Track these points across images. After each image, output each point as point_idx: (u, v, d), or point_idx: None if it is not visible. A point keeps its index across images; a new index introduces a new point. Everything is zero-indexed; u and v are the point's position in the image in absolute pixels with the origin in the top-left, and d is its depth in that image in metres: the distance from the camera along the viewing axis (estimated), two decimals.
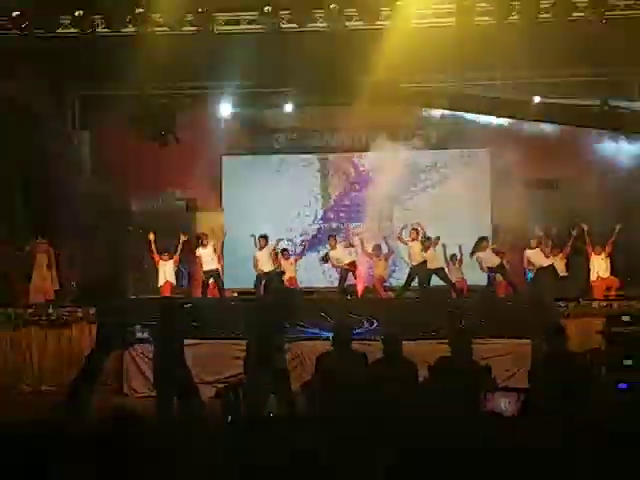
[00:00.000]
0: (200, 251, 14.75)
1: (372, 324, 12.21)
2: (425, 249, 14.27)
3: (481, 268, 14.36)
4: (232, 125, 16.74)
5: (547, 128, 14.48)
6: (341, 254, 14.98)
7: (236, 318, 10.93)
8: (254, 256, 14.87)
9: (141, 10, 12.58)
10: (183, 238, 15.04)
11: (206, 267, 14.63)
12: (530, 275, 14.85)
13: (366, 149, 16.89)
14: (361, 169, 17.17)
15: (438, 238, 14.36)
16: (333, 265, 15.22)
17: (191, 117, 16.06)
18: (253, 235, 15.01)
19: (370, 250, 15.03)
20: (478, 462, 3.75)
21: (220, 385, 8.70)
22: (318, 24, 12.88)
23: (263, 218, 16.12)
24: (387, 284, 15.31)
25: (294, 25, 12.88)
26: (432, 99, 13.27)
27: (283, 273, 14.55)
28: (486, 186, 16.51)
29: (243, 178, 16.92)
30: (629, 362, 9.89)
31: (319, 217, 17.21)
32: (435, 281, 14.41)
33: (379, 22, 12.68)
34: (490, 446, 3.84)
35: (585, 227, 14.23)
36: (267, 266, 14.74)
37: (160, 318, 8.71)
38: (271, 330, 8.33)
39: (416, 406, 6.84)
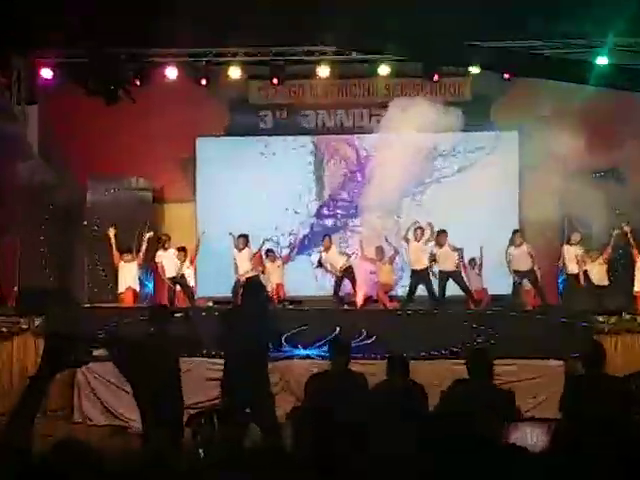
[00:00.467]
0: (160, 255, 14.78)
1: (373, 340, 12.23)
2: (439, 245, 14.30)
3: (509, 269, 14.35)
4: (209, 100, 16.76)
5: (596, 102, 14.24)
6: (336, 257, 15.03)
7: (210, 332, 10.91)
8: (234, 259, 14.91)
9: None
10: (149, 235, 15.05)
11: (169, 273, 14.69)
12: (562, 281, 14.90)
13: (370, 130, 16.92)
14: (363, 154, 17.15)
15: (444, 232, 14.38)
16: (327, 270, 15.25)
17: (158, 90, 16.10)
18: (232, 234, 15.01)
19: (372, 252, 15.08)
20: None
21: (191, 411, 8.68)
22: None
23: (244, 213, 16.14)
24: (394, 293, 15.32)
25: None
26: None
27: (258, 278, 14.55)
28: (514, 176, 16.52)
29: (221, 164, 16.89)
30: None
31: (312, 213, 17.20)
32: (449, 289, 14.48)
33: None
34: None
35: (628, 228, 14.22)
36: (247, 270, 14.76)
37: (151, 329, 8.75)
38: (252, 346, 8.32)
39: (426, 440, 6.84)
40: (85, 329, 12.13)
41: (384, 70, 16.25)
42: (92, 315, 13.16)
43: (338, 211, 17.20)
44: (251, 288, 8.81)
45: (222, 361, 8.74)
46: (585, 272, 14.38)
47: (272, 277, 15.02)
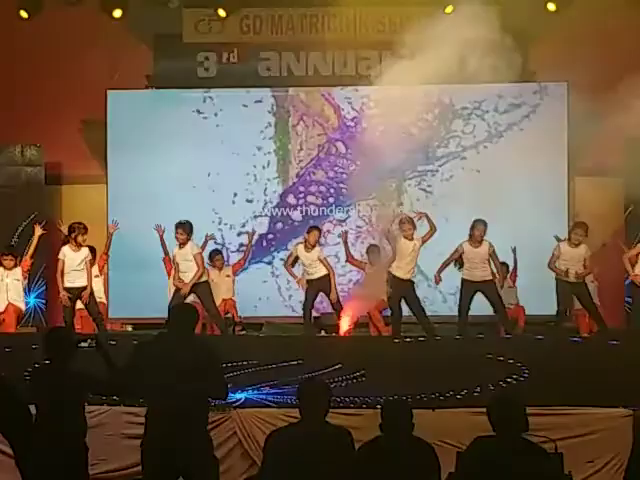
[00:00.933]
0: (67, 253, 14.51)
1: (360, 380, 12.25)
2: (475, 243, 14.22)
3: (567, 275, 14.30)
4: (125, 38, 16.72)
5: None
6: (313, 260, 14.96)
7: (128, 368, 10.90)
8: (172, 257, 14.61)
9: None
10: (39, 231, 14.97)
11: (73, 282, 14.42)
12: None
13: (357, 80, 16.95)
14: (348, 114, 17.15)
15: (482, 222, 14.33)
16: (298, 281, 15.15)
17: (52, 23, 16.04)
18: (159, 225, 14.91)
19: (360, 255, 15.13)
20: None
21: None
22: None
23: (174, 200, 16.16)
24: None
25: None
26: None
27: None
28: (562, 148, 16.59)
29: (142, 128, 16.86)
30: None
31: (272, 201, 17.19)
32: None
33: None
34: None
35: None
36: (191, 274, 14.55)
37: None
38: (186, 391, 8.30)
39: None
40: None
41: None
42: None
43: (310, 198, 17.20)
44: (178, 318, 8.76)
45: (144, 411, 8.69)
46: None
47: (219, 290, 14.96)
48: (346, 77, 17.22)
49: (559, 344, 13.43)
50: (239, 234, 16.62)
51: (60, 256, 14.18)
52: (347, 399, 11.77)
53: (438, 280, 14.39)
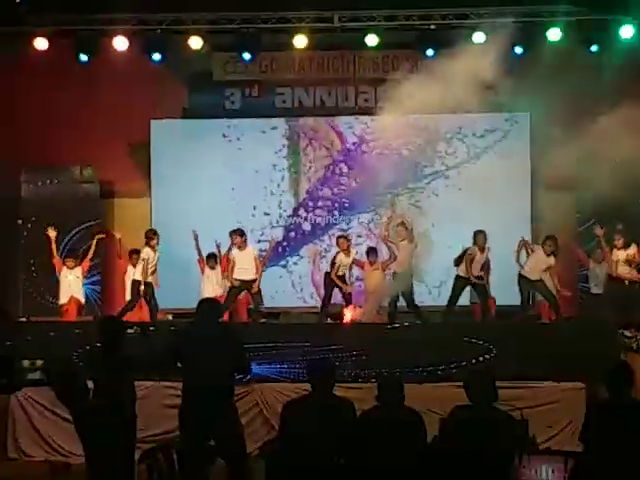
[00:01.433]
0: (146, 253, 14.45)
1: (361, 359, 12.24)
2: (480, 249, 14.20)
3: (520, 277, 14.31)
4: (165, 76, 16.73)
5: None
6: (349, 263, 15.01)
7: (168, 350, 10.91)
8: (232, 258, 14.55)
9: None
10: (99, 236, 15.01)
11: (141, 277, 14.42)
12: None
13: (355, 111, 16.96)
14: (348, 139, 17.12)
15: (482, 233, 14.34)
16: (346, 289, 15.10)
17: (105, 64, 16.05)
18: (194, 231, 14.88)
19: (359, 255, 15.15)
20: None
21: (146, 445, 8.65)
22: None
23: (205, 210, 16.18)
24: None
25: None
26: None
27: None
28: (526, 167, 16.58)
29: (179, 151, 16.83)
30: None
31: (287, 211, 17.15)
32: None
33: None
34: None
35: None
36: (249, 273, 14.55)
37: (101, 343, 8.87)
38: (215, 368, 8.29)
39: (424, 476, 6.84)
40: (19, 348, 12.09)
41: (372, 40, 16.07)
42: (28, 331, 13.05)
43: (318, 211, 17.16)
44: (204, 310, 8.77)
45: (180, 385, 8.69)
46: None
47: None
48: (347, 108, 17.19)
49: (524, 328, 13.46)
50: (258, 241, 16.47)
51: (144, 255, 14.35)
52: (348, 374, 11.79)
53: None
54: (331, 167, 17.16)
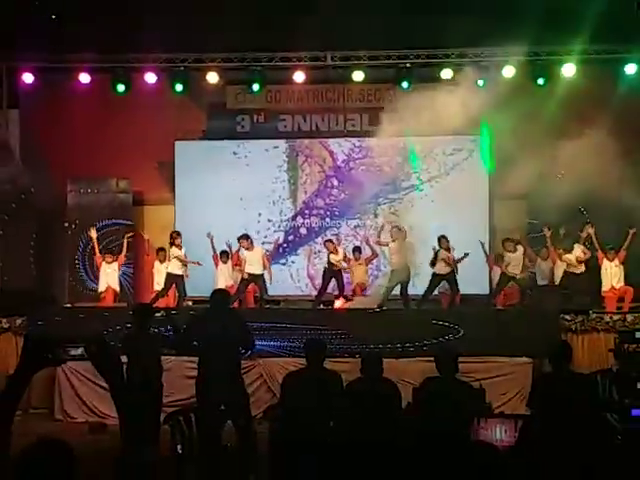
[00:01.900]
0: (175, 251, 14.49)
1: (347, 338, 12.23)
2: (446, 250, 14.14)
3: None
4: (188, 105, 16.72)
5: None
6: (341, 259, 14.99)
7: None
8: (243, 257, 14.62)
9: None
10: (128, 235, 15.03)
11: (175, 270, 14.44)
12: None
13: (344, 134, 16.96)
14: (338, 158, 17.06)
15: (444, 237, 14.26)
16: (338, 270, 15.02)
17: (138, 94, 16.10)
18: (209, 233, 14.87)
19: (347, 253, 15.13)
20: None
21: (169, 409, 8.65)
22: None
23: (219, 216, 16.13)
24: (368, 292, 15.31)
25: None
26: None
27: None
28: (486, 180, 16.53)
29: (199, 167, 16.79)
30: None
31: (286, 218, 17.00)
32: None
33: None
34: None
35: (592, 229, 14.30)
36: (257, 268, 14.52)
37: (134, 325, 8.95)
38: (225, 347, 8.29)
39: (399, 435, 6.84)
40: (65, 328, 12.10)
41: (358, 76, 16.19)
42: (72, 315, 13.05)
43: (313, 219, 17.06)
44: (217, 299, 8.77)
45: (197, 360, 8.69)
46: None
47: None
48: (338, 132, 17.12)
49: (483, 313, 13.48)
50: (263, 243, 16.33)
51: (176, 253, 14.39)
52: (337, 350, 11.77)
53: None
54: (324, 181, 17.08)
